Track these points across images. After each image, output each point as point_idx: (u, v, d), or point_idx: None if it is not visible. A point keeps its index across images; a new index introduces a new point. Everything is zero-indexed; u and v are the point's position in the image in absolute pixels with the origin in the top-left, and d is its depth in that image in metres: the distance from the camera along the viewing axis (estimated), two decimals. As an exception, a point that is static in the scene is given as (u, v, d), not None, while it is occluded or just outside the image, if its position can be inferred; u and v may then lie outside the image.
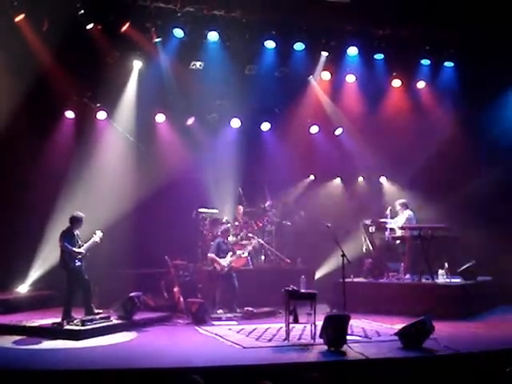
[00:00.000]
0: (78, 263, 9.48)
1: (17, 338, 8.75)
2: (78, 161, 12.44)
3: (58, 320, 9.16)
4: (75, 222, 9.66)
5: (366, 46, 13.44)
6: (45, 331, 8.89)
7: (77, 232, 9.67)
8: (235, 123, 14.40)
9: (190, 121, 13.89)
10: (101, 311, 9.61)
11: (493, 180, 13.39)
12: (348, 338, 8.16)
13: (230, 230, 12.12)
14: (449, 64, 13.94)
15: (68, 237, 9.51)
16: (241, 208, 13.63)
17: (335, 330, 8.02)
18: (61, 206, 11.47)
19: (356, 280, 11.92)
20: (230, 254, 11.52)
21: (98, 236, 9.73)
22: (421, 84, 14.34)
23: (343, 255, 9.02)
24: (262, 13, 12.34)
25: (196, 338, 9.02)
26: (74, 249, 9.44)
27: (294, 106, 14.30)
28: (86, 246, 9.59)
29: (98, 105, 12.85)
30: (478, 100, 13.62)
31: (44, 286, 11.63)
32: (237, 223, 13.40)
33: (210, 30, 12.50)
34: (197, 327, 9.85)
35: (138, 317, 9.90)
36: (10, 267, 11.52)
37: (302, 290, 9.04)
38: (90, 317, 9.23)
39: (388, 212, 12.47)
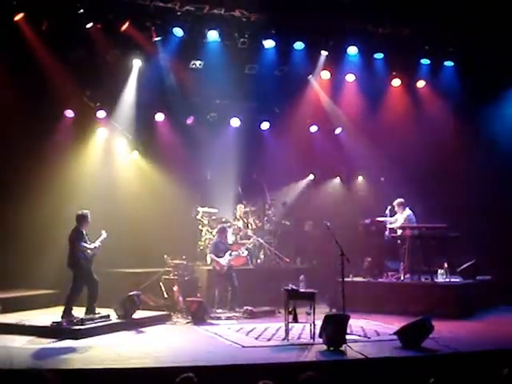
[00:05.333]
0: (88, 263, 9.47)
1: (17, 337, 8.72)
2: (78, 159, 12.43)
3: (58, 319, 9.16)
4: (83, 219, 9.59)
5: (365, 45, 13.45)
6: (44, 330, 8.87)
7: (85, 231, 9.65)
8: (235, 122, 14.40)
9: (190, 120, 13.89)
10: (100, 313, 9.58)
11: (493, 179, 13.41)
12: (347, 337, 8.18)
13: (226, 230, 12.12)
14: (449, 63, 13.95)
15: (80, 236, 9.49)
16: (241, 207, 13.63)
17: (334, 330, 8.04)
18: (61, 205, 11.45)
19: (355, 279, 11.91)
20: (229, 252, 11.54)
21: (103, 236, 9.74)
22: (421, 83, 14.35)
23: (342, 254, 9.00)
24: (262, 12, 12.35)
25: (195, 337, 9.03)
26: (90, 245, 9.45)
27: (293, 106, 14.29)
28: (97, 242, 9.62)
29: (98, 104, 12.83)
30: (477, 99, 13.62)
31: (45, 286, 11.60)
32: (236, 222, 13.40)
33: (210, 29, 12.51)
34: (196, 326, 9.86)
35: (137, 316, 9.90)
36: (11, 266, 11.49)
37: (302, 290, 9.05)
38: (89, 316, 9.23)
39: (387, 211, 12.47)
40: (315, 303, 8.76)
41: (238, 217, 13.57)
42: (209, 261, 12.04)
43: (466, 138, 14.10)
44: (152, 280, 11.65)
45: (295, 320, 8.87)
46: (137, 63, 12.75)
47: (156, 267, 12.01)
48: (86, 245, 9.45)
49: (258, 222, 13.63)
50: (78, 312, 9.51)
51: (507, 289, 11.92)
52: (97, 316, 9.28)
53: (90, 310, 9.51)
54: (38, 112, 11.80)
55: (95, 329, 8.92)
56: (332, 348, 7.95)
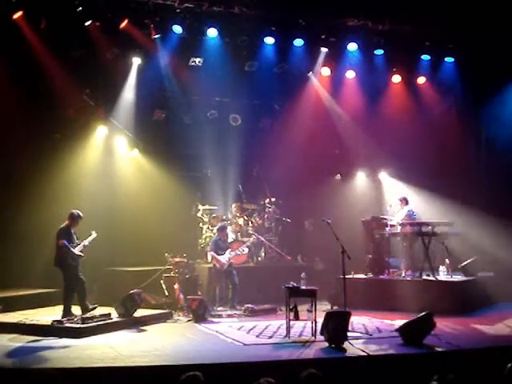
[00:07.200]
0: (75, 262, 9.46)
1: (17, 336, 8.71)
2: (77, 158, 12.41)
3: (58, 318, 9.15)
4: (74, 219, 9.61)
5: (365, 41, 13.42)
6: (45, 329, 8.85)
7: (74, 230, 9.64)
8: (235, 120, 14.36)
9: (189, 118, 13.86)
10: (96, 305, 9.57)
11: (493, 175, 13.38)
12: (349, 334, 8.17)
13: (226, 228, 12.10)
14: (449, 59, 13.93)
15: (67, 235, 9.48)
16: (239, 205, 13.59)
17: (336, 327, 8.01)
18: (61, 204, 11.41)
19: (356, 277, 11.89)
20: (229, 250, 11.52)
21: (93, 236, 9.74)
22: (421, 79, 14.33)
23: (343, 251, 8.99)
24: (262, 9, 12.32)
25: (196, 335, 9.00)
26: (75, 250, 9.42)
27: (293, 102, 14.27)
28: (86, 241, 9.60)
29: (98, 102, 12.79)
30: (478, 95, 13.61)
31: (44, 284, 11.58)
32: (237, 220, 13.38)
33: (209, 27, 12.48)
34: (197, 324, 9.84)
35: (138, 314, 9.88)
36: (11, 265, 11.48)
37: (303, 287, 9.03)
38: (90, 314, 9.20)
39: (388, 208, 12.44)
40: (316, 300, 8.73)
41: (235, 214, 13.51)
42: (209, 259, 12.04)
43: (467, 135, 14.08)
44: (153, 278, 11.65)
45: (296, 317, 8.85)
46: (136, 61, 12.75)
47: (157, 265, 12.00)
48: (69, 247, 9.38)
49: (258, 219, 13.60)
50: (79, 311, 9.50)
51: (509, 285, 11.88)
52: (97, 314, 9.23)
53: (84, 309, 9.47)
54: (37, 111, 11.76)
55: (96, 327, 8.89)
56: (333, 345, 7.93)
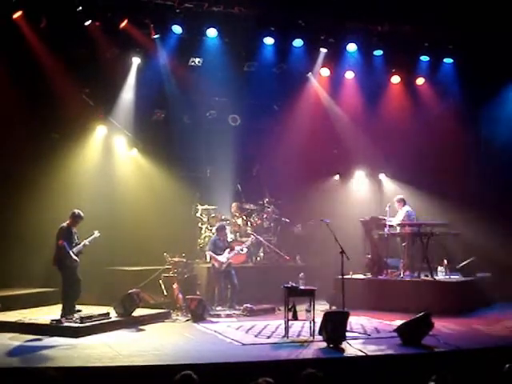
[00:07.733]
0: (74, 262, 9.46)
1: (16, 335, 8.72)
2: (77, 158, 12.41)
3: (57, 317, 9.15)
4: (75, 218, 9.60)
5: (365, 42, 13.45)
6: (44, 328, 8.86)
7: (75, 230, 9.65)
8: (234, 120, 14.36)
9: (188, 118, 13.87)
10: (81, 310, 9.51)
11: (492, 175, 13.41)
12: (347, 334, 8.19)
13: (225, 228, 12.11)
14: (448, 60, 13.95)
15: (67, 235, 9.48)
16: (238, 205, 13.60)
17: (334, 327, 8.03)
18: (60, 204, 11.41)
19: (355, 277, 11.90)
20: (228, 250, 11.53)
21: (94, 235, 9.74)
22: (420, 80, 14.35)
23: (342, 252, 9.00)
24: (261, 9, 12.34)
25: (195, 334, 9.01)
26: (72, 255, 9.42)
27: (292, 103, 14.28)
28: (86, 241, 9.60)
29: (97, 101, 12.79)
30: (476, 96, 13.62)
31: (43, 284, 11.59)
32: (236, 220, 13.39)
33: (209, 27, 12.51)
34: (196, 324, 9.85)
35: (136, 314, 9.89)
36: (10, 264, 11.48)
37: (301, 287, 9.04)
38: (88, 313, 9.20)
39: (387, 209, 12.44)
40: (315, 300, 8.75)
41: (234, 214, 13.52)
42: (208, 258, 12.05)
43: (466, 135, 14.10)
44: (151, 278, 11.66)
45: (295, 317, 8.86)
46: (136, 61, 12.77)
47: (156, 265, 12.01)
48: (68, 250, 9.39)
49: (257, 219, 13.61)
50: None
51: (507, 285, 11.90)
52: (96, 313, 9.24)
53: (69, 309, 9.44)
54: (36, 110, 11.76)
55: (95, 327, 8.91)
56: (332, 345, 7.95)
